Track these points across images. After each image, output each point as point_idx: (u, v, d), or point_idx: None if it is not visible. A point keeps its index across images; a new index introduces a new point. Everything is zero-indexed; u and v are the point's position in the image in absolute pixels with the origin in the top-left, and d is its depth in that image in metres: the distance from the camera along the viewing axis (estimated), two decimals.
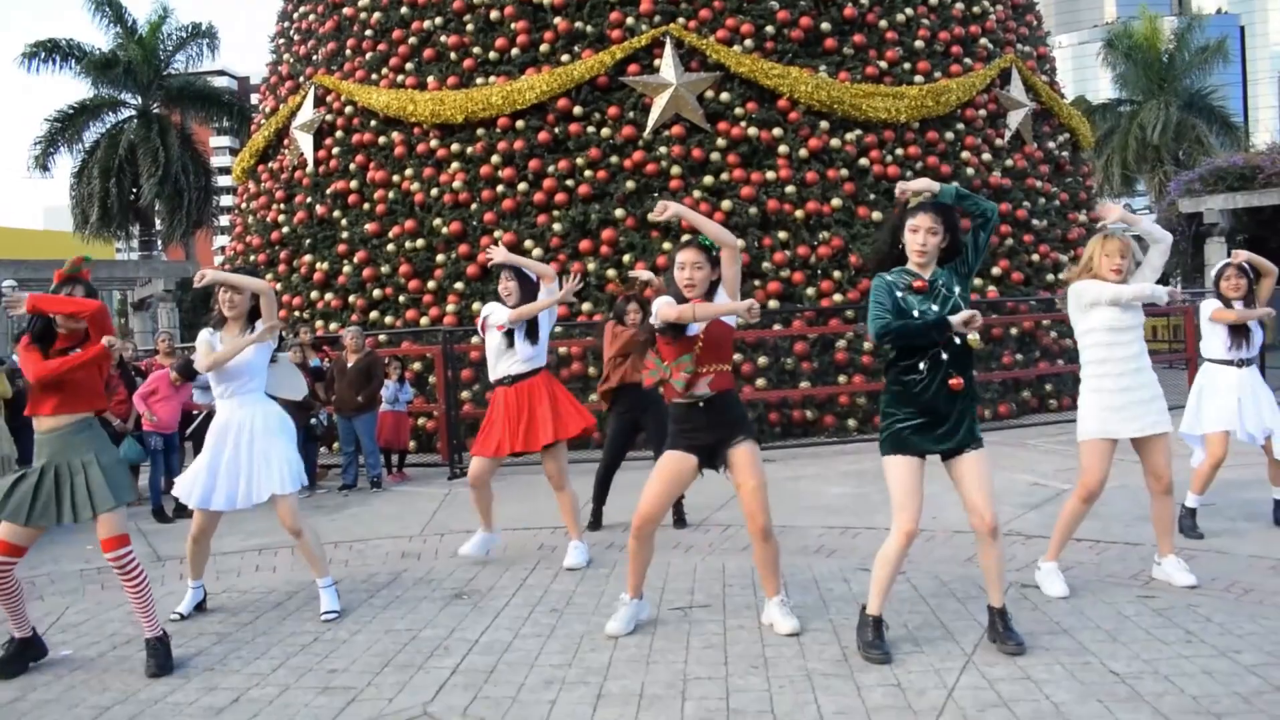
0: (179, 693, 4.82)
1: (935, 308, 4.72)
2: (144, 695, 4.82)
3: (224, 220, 57.19)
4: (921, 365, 4.74)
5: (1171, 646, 4.77)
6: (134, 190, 36.95)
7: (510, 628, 5.55)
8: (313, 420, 10.66)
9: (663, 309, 5.04)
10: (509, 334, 6.94)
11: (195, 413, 10.33)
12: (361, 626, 5.74)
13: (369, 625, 5.75)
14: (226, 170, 62.45)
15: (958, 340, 4.72)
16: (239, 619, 6.05)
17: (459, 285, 13.22)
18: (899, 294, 4.77)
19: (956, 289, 4.79)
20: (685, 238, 5.59)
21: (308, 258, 14.67)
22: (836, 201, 13.09)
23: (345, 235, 14.33)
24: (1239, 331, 7.12)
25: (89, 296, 5.42)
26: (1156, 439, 5.68)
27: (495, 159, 13.44)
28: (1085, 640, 4.90)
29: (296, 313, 14.39)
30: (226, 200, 55.06)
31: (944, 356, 4.72)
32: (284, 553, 7.73)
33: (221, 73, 74.10)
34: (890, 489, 4.85)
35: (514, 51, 13.68)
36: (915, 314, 4.71)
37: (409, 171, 13.98)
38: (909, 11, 14.33)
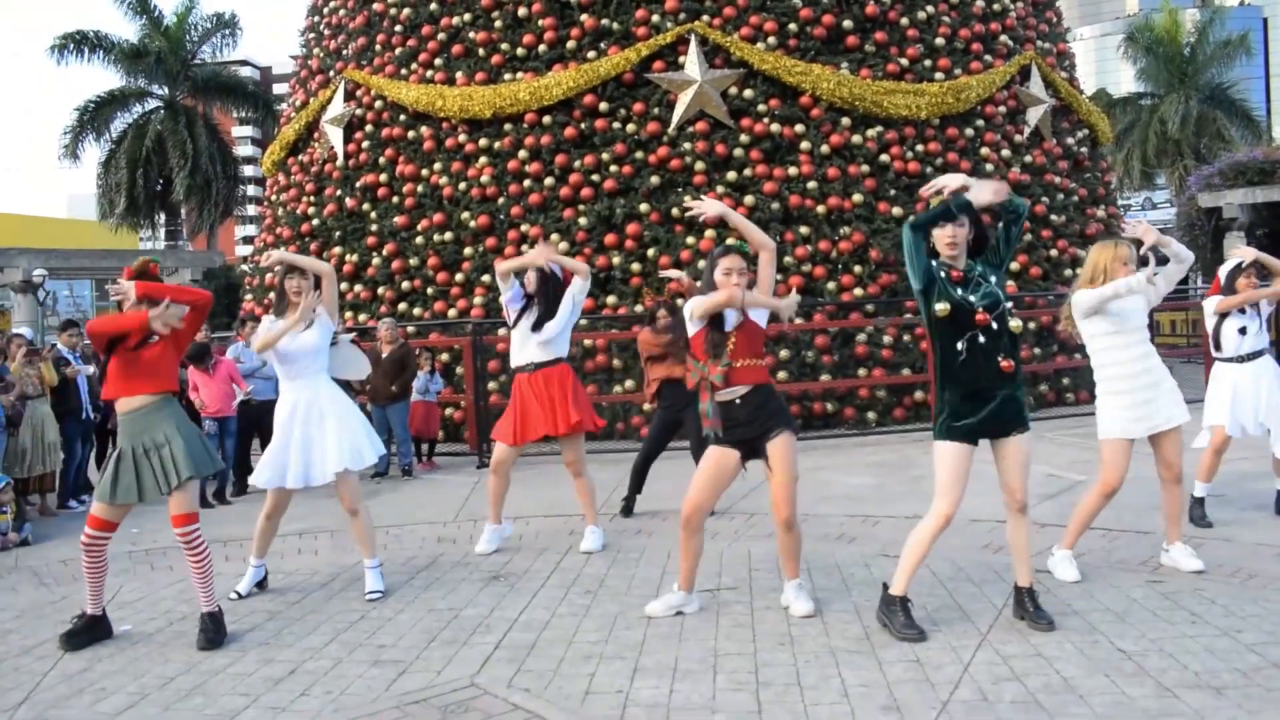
0: (238, 664, 5.13)
1: (973, 298, 4.98)
2: (205, 667, 5.12)
3: (250, 210, 57.64)
4: (960, 345, 5.00)
5: (1177, 626, 5.03)
6: (161, 180, 37.41)
7: (547, 607, 5.84)
8: None
9: (707, 300, 5.31)
10: (532, 321, 7.23)
11: (245, 393, 10.52)
12: (405, 606, 6.03)
13: (412, 605, 6.05)
14: (250, 160, 62.76)
15: (995, 325, 4.97)
16: (287, 598, 6.35)
17: (486, 278, 13.48)
18: (941, 274, 5.02)
19: (992, 278, 5.06)
20: (729, 240, 5.85)
21: (337, 249, 14.97)
22: (858, 197, 13.32)
23: (374, 228, 14.63)
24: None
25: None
26: (1169, 432, 5.94)
27: (522, 154, 13.71)
28: (1095, 621, 5.16)
29: None
30: (250, 190, 55.62)
31: (981, 340, 4.96)
32: (324, 536, 8.04)
33: (245, 63, 74.69)
34: (936, 472, 5.12)
35: (541, 48, 13.94)
36: (957, 294, 4.97)
37: (438, 165, 14.27)
38: (930, 9, 14.54)
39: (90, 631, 5.64)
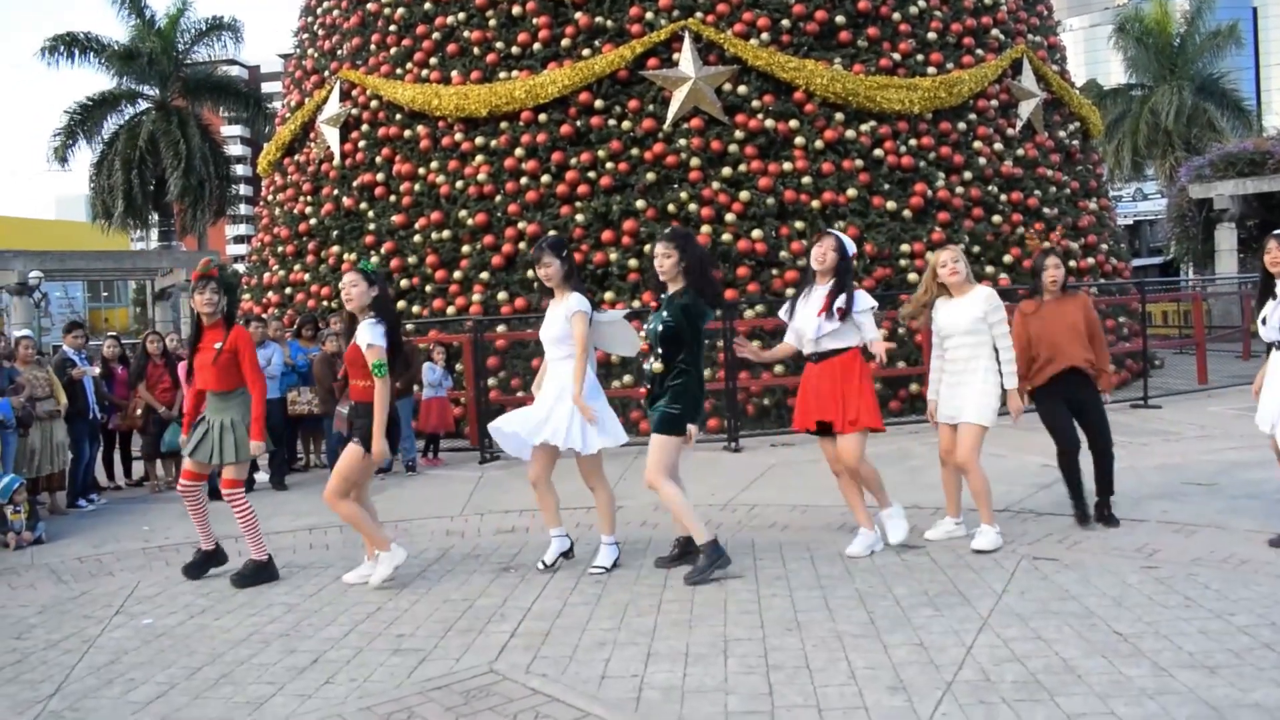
0: (261, 655, 5.27)
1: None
2: (229, 657, 5.26)
3: (241, 209, 57.65)
4: None
5: (1171, 610, 5.19)
6: (154, 181, 37.38)
7: (559, 597, 5.98)
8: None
9: None
10: None
11: None
12: (420, 597, 6.17)
13: (426, 596, 6.19)
14: (240, 159, 62.67)
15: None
16: (303, 591, 6.48)
17: (484, 275, 13.60)
18: None
19: (665, 313, 6.40)
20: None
21: (335, 249, 15.09)
22: (852, 191, 13.46)
23: (372, 227, 14.74)
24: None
25: (219, 290, 6.83)
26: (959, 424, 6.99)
27: (519, 152, 13.83)
28: (1092, 605, 5.32)
29: (325, 303, 14.80)
30: (241, 190, 55.72)
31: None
32: (334, 531, 8.18)
33: (233, 62, 74.61)
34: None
35: (536, 46, 14.06)
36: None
37: (434, 164, 14.38)
38: (922, 4, 14.68)
39: (205, 565, 6.92)
